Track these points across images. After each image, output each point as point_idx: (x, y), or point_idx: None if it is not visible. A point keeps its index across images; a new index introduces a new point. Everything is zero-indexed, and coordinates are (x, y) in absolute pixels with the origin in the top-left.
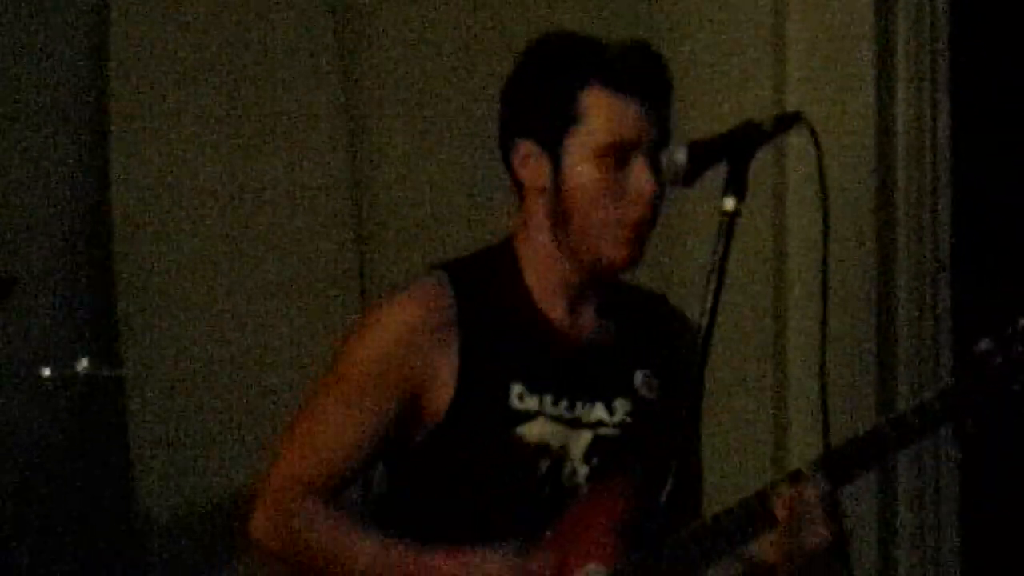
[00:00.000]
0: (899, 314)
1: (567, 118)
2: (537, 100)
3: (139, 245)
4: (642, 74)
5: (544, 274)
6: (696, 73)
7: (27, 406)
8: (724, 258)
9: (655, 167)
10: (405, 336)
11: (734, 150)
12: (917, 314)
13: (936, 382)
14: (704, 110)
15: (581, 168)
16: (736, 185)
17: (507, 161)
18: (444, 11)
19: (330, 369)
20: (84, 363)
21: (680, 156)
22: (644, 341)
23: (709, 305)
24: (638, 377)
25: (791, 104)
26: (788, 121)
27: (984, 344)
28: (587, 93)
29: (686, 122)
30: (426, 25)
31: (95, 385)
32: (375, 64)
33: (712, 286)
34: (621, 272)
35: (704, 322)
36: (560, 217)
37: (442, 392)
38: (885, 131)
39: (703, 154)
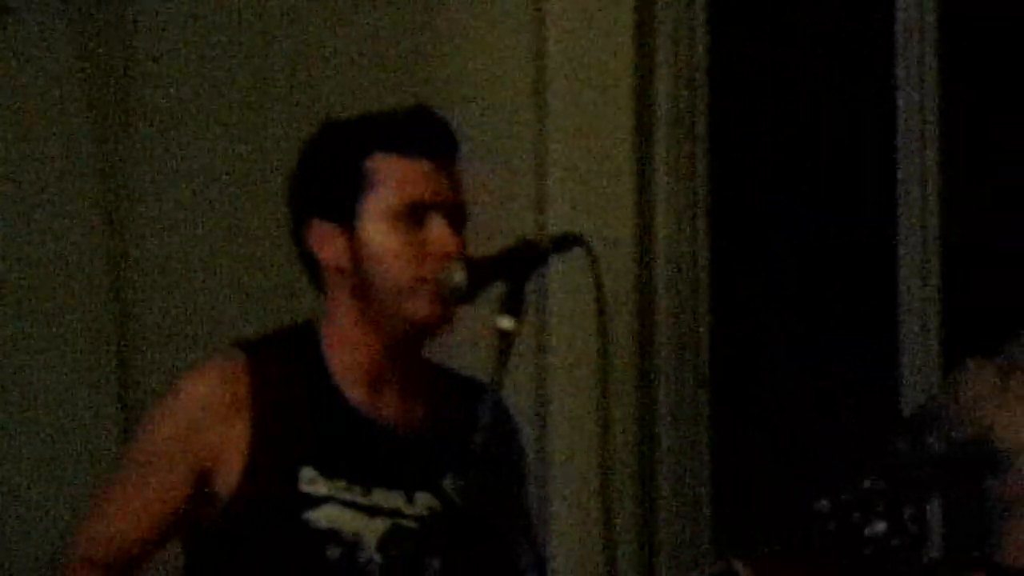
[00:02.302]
0: (661, 436)
1: (356, 188)
2: (324, 177)
3: None
4: (425, 134)
5: (348, 355)
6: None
7: None
8: (499, 377)
9: (453, 226)
10: (196, 413)
11: (511, 269)
12: (677, 433)
13: (696, 499)
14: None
15: (377, 233)
16: (513, 304)
17: (301, 245)
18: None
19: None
20: None
21: (458, 275)
22: (456, 432)
23: (486, 421)
24: (441, 468)
25: (552, 220)
26: (567, 242)
27: (822, 505)
28: (372, 160)
29: None
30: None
31: None
32: (134, 133)
33: (488, 405)
34: (432, 333)
35: (479, 439)
36: (363, 289)
37: (232, 472)
38: (645, 248)
39: (480, 273)
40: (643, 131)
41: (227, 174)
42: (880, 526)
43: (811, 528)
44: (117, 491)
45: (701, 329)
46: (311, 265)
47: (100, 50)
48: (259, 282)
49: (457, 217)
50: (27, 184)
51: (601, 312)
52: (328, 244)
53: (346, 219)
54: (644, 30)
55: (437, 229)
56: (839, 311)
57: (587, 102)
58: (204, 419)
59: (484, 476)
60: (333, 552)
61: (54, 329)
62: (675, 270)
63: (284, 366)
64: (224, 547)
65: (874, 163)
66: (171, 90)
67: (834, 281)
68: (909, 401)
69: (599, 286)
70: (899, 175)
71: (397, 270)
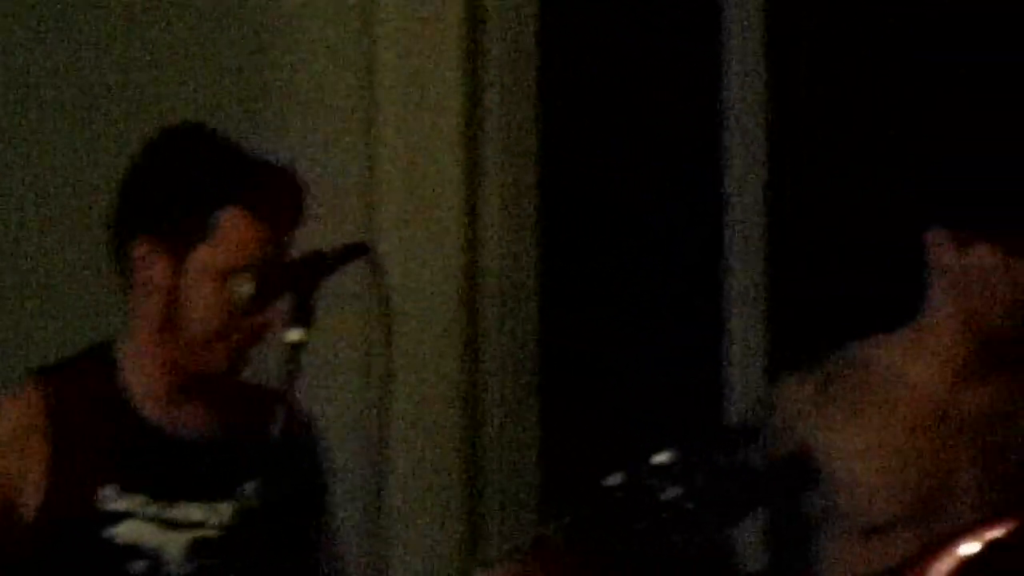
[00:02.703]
0: (488, 444)
1: (201, 230)
2: (172, 204)
3: None
4: (285, 205)
5: (147, 371)
6: None
7: None
8: (291, 389)
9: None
10: None
11: (299, 280)
12: (504, 443)
13: (526, 502)
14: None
15: (203, 286)
16: (301, 315)
17: (120, 251)
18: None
19: None
20: None
21: (247, 287)
22: (252, 440)
23: (277, 432)
24: (242, 478)
25: (382, 225)
26: (354, 252)
27: (613, 479)
28: (227, 212)
29: None
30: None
31: None
32: None
33: (280, 414)
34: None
35: (273, 449)
36: (170, 322)
37: (34, 498)
38: (474, 251)
39: (269, 284)
40: (472, 136)
41: (53, 181)
42: (674, 491)
43: (604, 502)
44: None
45: (529, 333)
46: (125, 269)
47: None
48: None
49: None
50: None
51: (386, 321)
52: (150, 264)
53: (178, 252)
54: (474, 33)
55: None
56: (667, 317)
57: (416, 107)
58: (1, 452)
59: (280, 484)
60: (136, 567)
61: None
62: (505, 273)
63: (80, 389)
64: (31, 571)
65: (702, 165)
66: None
67: (662, 286)
68: (734, 410)
69: (383, 296)
70: (726, 180)
71: (206, 323)
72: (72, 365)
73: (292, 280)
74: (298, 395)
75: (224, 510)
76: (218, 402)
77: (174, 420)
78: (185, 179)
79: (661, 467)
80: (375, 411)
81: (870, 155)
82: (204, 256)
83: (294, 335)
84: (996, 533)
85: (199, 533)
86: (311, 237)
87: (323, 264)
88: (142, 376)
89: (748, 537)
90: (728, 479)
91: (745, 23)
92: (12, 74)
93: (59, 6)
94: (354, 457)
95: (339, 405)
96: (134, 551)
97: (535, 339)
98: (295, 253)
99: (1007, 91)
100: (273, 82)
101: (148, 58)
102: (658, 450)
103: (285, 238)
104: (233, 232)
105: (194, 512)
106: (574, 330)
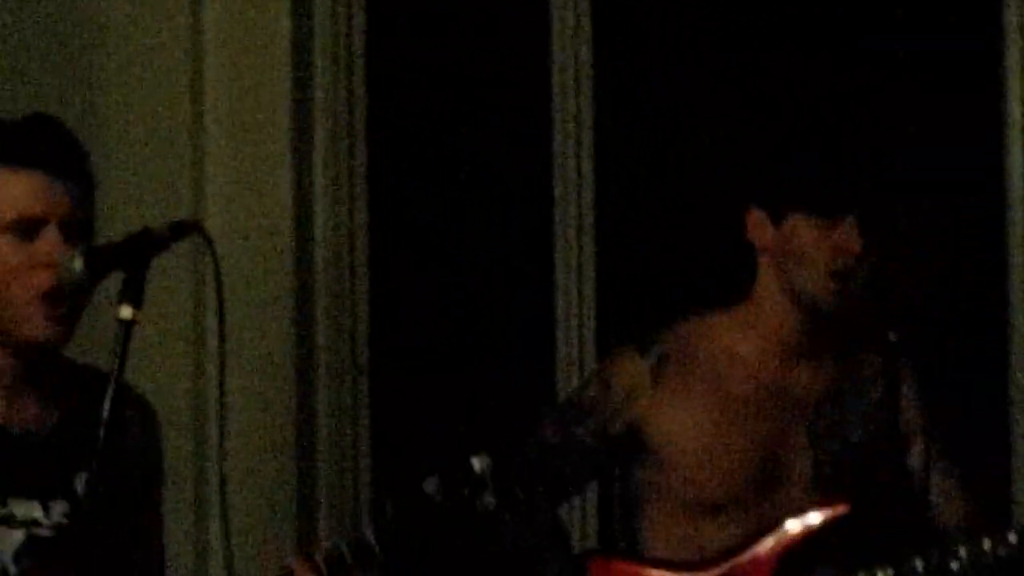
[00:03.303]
0: (319, 422)
1: None
2: None
3: None
4: (41, 145)
5: None
6: (115, 169)
7: None
8: (121, 368)
9: (69, 238)
10: None
11: (130, 258)
12: (336, 421)
13: (354, 490)
14: (125, 209)
15: None
16: (132, 292)
17: None
18: None
19: None
20: None
21: (77, 264)
22: (91, 432)
23: (105, 416)
24: (80, 476)
25: (210, 210)
26: (184, 229)
27: (429, 483)
28: None
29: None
30: None
31: None
32: None
33: (109, 395)
34: (48, 348)
35: (101, 433)
36: None
37: None
38: (303, 236)
39: (99, 261)
40: (301, 121)
41: None
42: (490, 500)
43: (422, 506)
44: None
45: (360, 320)
46: None
47: None
48: None
49: (78, 230)
50: None
51: (219, 297)
52: None
53: None
54: (301, 20)
55: (48, 240)
56: (498, 300)
57: (245, 94)
58: None
59: (107, 473)
60: None
61: None
62: (334, 260)
63: None
64: None
65: (531, 155)
66: None
67: (493, 271)
68: (563, 385)
69: (218, 271)
70: (555, 168)
71: (7, 287)
72: None
73: (123, 257)
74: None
75: (59, 508)
76: (53, 391)
77: (7, 413)
78: None
79: (478, 475)
80: (206, 392)
81: (691, 140)
82: None
83: (125, 312)
84: (826, 516)
85: (33, 531)
86: (141, 217)
87: (154, 241)
88: None
89: (580, 514)
90: (559, 457)
91: (572, 15)
92: None
93: None
94: (182, 438)
95: (167, 385)
96: None
97: (366, 328)
98: (127, 231)
99: (813, 73)
100: (97, 60)
101: None
102: (477, 451)
103: (68, 186)
104: (2, 187)
105: (29, 510)
106: (404, 318)
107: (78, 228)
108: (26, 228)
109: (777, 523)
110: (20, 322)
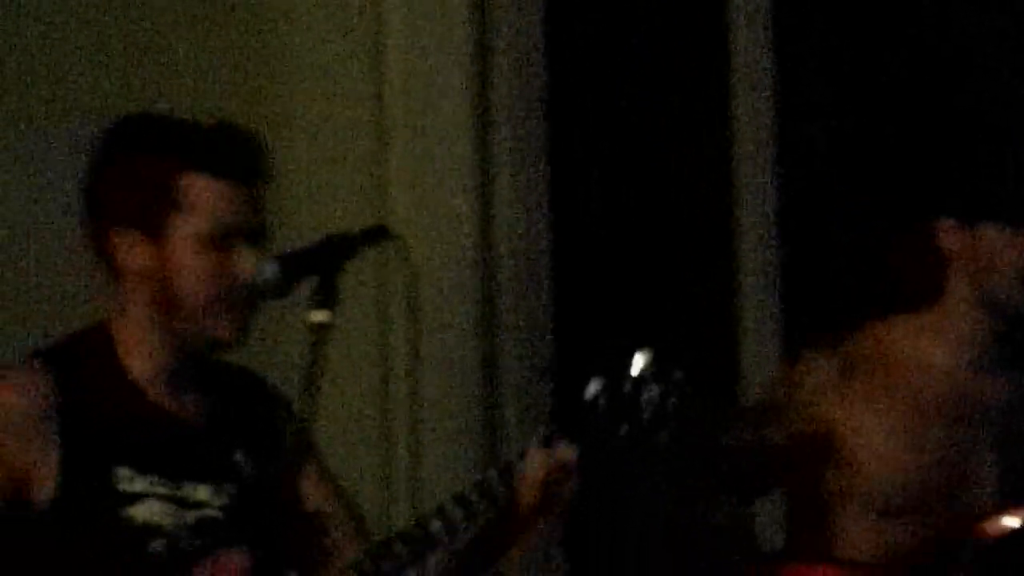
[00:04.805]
0: (505, 424)
1: (167, 205)
2: (132, 187)
3: None
4: (240, 157)
5: (144, 356)
6: (299, 173)
7: None
8: (318, 371)
9: (256, 244)
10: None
11: (323, 263)
12: (521, 423)
13: None
14: (306, 216)
15: (186, 256)
16: (325, 297)
17: (98, 245)
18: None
19: None
20: None
21: (272, 270)
22: (241, 421)
23: (303, 419)
24: (239, 458)
25: (395, 212)
26: (376, 234)
27: (593, 387)
28: (185, 179)
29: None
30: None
31: None
32: None
33: (308, 400)
34: (230, 347)
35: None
36: (166, 302)
37: (47, 479)
38: (486, 238)
39: (293, 267)
40: (483, 124)
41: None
42: (654, 390)
43: (586, 411)
44: None
45: (543, 325)
46: (107, 260)
47: None
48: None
49: (260, 234)
50: None
51: (411, 302)
52: (131, 252)
53: (153, 231)
54: (482, 24)
55: (243, 257)
56: (680, 301)
57: (427, 98)
58: (11, 433)
59: (272, 463)
60: (155, 545)
61: None
62: (517, 261)
63: (83, 371)
64: (46, 554)
65: (712, 154)
66: None
67: (676, 270)
68: (748, 389)
69: (411, 277)
70: (737, 172)
71: (203, 292)
72: (72, 346)
73: (315, 262)
74: (320, 377)
75: (225, 489)
76: (211, 385)
77: (175, 402)
78: (135, 160)
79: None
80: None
81: (873, 147)
82: (181, 229)
83: (319, 316)
84: (1013, 522)
85: (204, 513)
86: (325, 222)
87: (346, 246)
88: (141, 359)
89: (766, 517)
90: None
91: (753, 15)
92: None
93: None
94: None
95: (357, 390)
96: (153, 530)
97: (551, 318)
98: (318, 236)
99: (1004, 82)
100: (281, 68)
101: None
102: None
103: (255, 194)
104: (198, 196)
105: (200, 493)
106: (587, 309)
107: (261, 232)
108: (222, 236)
109: (966, 527)
110: (207, 319)
